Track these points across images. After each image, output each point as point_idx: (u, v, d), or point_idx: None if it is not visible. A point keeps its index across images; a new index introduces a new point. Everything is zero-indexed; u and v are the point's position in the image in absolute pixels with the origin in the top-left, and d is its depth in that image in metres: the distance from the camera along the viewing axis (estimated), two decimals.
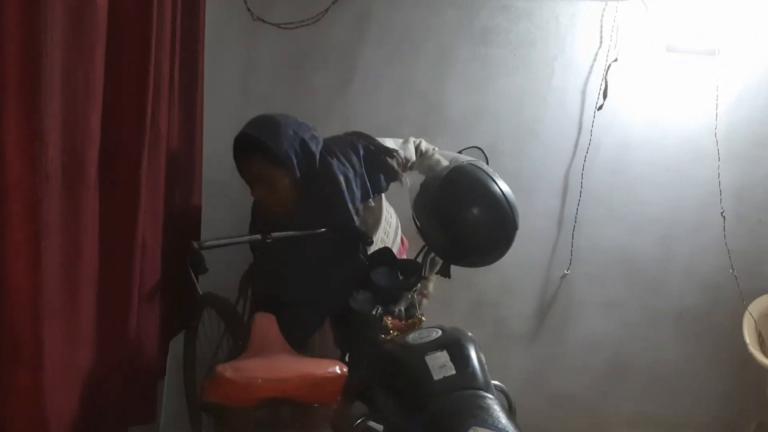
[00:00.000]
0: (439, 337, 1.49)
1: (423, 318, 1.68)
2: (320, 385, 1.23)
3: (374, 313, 1.52)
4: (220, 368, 1.17)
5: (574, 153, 2.53)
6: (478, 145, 1.95)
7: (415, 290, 1.73)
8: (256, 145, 1.63)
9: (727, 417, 2.68)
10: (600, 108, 2.43)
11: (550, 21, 2.42)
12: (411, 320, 1.65)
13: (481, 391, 1.36)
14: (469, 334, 1.55)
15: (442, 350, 1.43)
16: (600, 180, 2.56)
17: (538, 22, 2.42)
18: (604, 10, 2.42)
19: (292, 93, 2.35)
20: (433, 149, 1.98)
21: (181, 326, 1.99)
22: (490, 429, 1.23)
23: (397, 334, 1.60)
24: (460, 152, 1.95)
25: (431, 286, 1.89)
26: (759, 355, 2.37)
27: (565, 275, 2.61)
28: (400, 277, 1.68)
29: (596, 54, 2.44)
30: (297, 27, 2.32)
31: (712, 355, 2.66)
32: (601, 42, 2.44)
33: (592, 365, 2.70)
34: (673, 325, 2.67)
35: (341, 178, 1.67)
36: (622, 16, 2.42)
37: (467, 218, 1.63)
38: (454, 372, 1.39)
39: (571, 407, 2.71)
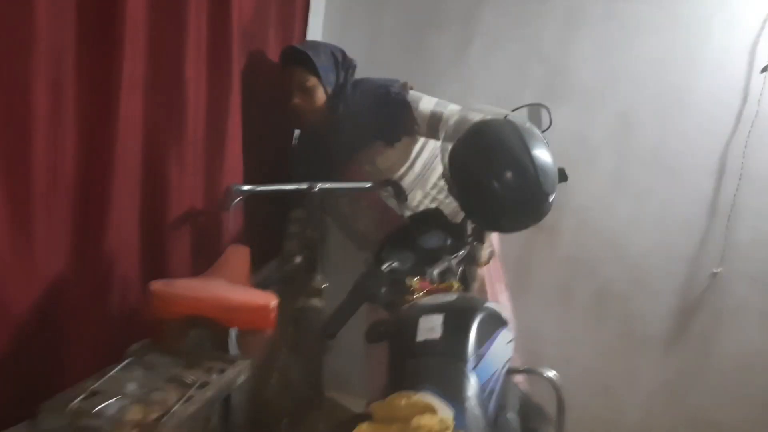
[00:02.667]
0: (447, 302, 1.40)
1: (456, 286, 1.57)
2: (235, 310, 1.23)
3: (384, 269, 1.46)
4: (152, 282, 1.22)
5: (736, 126, 2.10)
6: (545, 105, 1.71)
7: (457, 256, 1.62)
8: (299, 57, 1.82)
9: None
10: (765, 70, 1.97)
11: None
12: (443, 284, 1.56)
13: (461, 364, 1.24)
14: (490, 307, 1.40)
15: (439, 314, 1.34)
16: None
17: None
18: None
19: (413, 57, 2.36)
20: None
21: None
22: (439, 396, 1.13)
23: (421, 295, 1.53)
24: (514, 110, 1.74)
25: (486, 253, 1.74)
26: None
27: (715, 274, 2.17)
28: (448, 241, 1.61)
29: None
30: None
31: None
32: None
33: (753, 393, 2.20)
34: None
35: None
36: None
37: (481, 177, 1.46)
38: (437, 336, 1.29)
39: None
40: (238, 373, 1.20)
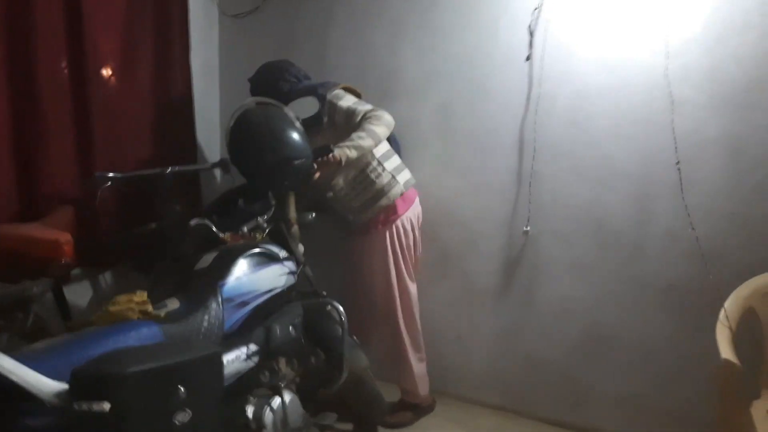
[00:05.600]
0: (230, 246, 1.92)
1: (260, 237, 2.07)
2: (33, 240, 1.79)
3: (192, 224, 1.97)
4: None
5: (527, 107, 2.52)
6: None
7: (267, 216, 2.12)
8: None
9: None
10: (528, 58, 2.41)
11: None
12: (247, 237, 2.06)
13: (213, 282, 1.74)
14: (264, 248, 1.93)
15: (216, 253, 1.86)
16: (558, 133, 2.48)
17: None
18: None
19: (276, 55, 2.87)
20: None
21: None
22: (183, 301, 1.65)
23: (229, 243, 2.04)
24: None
25: (291, 211, 2.24)
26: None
27: (526, 231, 2.58)
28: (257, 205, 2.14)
29: (537, 8, 2.41)
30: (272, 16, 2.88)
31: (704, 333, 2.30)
32: None
33: (567, 333, 2.58)
34: (660, 296, 2.39)
35: None
36: None
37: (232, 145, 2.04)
38: (205, 266, 1.81)
39: (548, 373, 2.64)
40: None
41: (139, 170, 2.23)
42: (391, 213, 2.50)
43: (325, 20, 2.80)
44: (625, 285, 2.45)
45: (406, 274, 2.56)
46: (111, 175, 2.17)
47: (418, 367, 2.62)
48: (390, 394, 2.66)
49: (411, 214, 2.56)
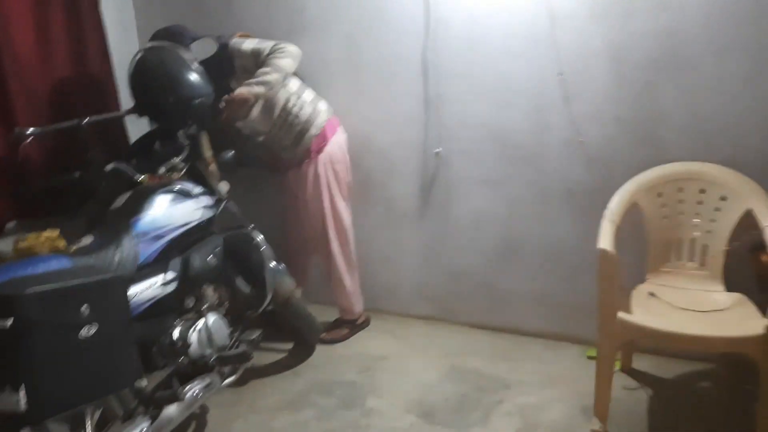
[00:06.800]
0: (144, 186, 2.05)
1: (176, 176, 2.20)
2: None
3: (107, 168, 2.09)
4: None
5: (426, 33, 2.63)
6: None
7: (182, 156, 2.24)
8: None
9: None
10: None
11: None
12: (163, 178, 2.19)
13: (125, 219, 1.88)
14: (177, 187, 2.07)
15: (131, 193, 2.00)
16: (456, 56, 2.60)
17: None
18: None
19: (192, 10, 2.98)
20: None
21: None
22: (97, 237, 1.79)
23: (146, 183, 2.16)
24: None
25: (206, 150, 2.36)
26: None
27: (437, 153, 2.74)
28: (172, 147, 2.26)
29: None
30: None
31: None
32: None
33: (483, 243, 2.79)
34: (562, 201, 2.60)
35: None
36: None
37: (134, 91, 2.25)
38: (119, 205, 1.95)
39: (469, 282, 2.86)
40: None
41: (57, 123, 2.31)
42: (321, 141, 2.63)
43: None
44: (530, 194, 2.65)
45: (339, 198, 2.71)
46: (30, 130, 2.24)
47: (352, 286, 2.82)
48: (329, 315, 2.88)
49: (338, 139, 2.69)
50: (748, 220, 2.10)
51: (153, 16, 3.00)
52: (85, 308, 1.38)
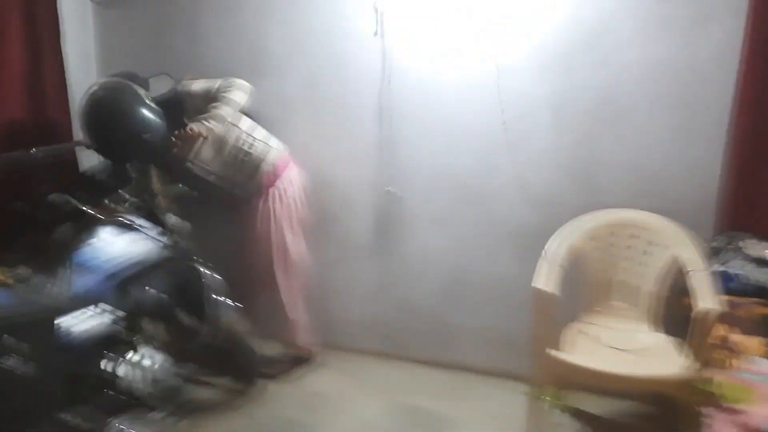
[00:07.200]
0: (91, 217, 2.09)
1: (119, 209, 2.24)
2: None
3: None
4: None
5: (382, 78, 2.73)
6: None
7: (128, 189, 2.30)
8: None
9: None
10: (376, 34, 2.64)
11: None
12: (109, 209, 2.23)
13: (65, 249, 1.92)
14: (119, 220, 2.11)
15: (72, 223, 2.03)
16: (411, 102, 2.71)
17: None
18: None
19: (154, 48, 3.05)
20: None
21: None
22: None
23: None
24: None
25: (154, 183, 2.41)
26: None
27: (388, 191, 2.82)
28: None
29: None
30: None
31: None
32: None
33: (433, 279, 2.87)
34: (508, 240, 2.69)
35: None
36: None
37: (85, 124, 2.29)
38: (61, 236, 1.98)
39: (419, 317, 2.92)
40: None
41: (7, 153, 2.35)
42: (272, 176, 2.68)
43: (195, 4, 2.93)
44: (478, 231, 2.74)
45: (288, 231, 2.74)
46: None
47: (299, 320, 2.82)
48: (276, 350, 2.89)
49: (291, 174, 2.74)
50: (679, 265, 2.19)
51: (115, 52, 3.08)
52: (6, 338, 1.41)
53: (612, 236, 2.38)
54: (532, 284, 2.12)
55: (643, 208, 2.37)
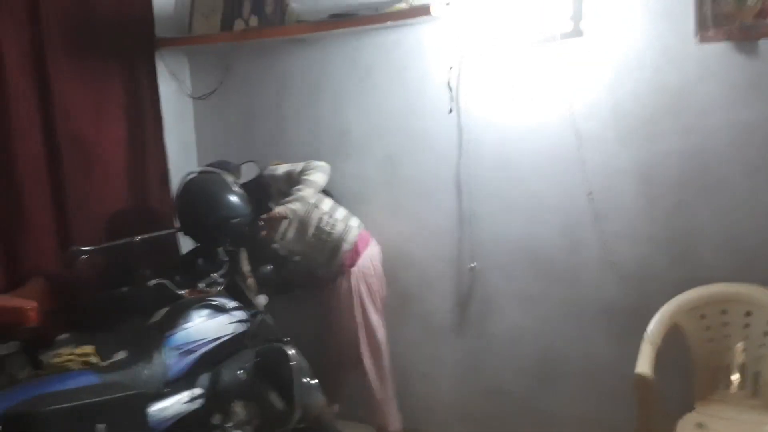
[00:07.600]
0: (185, 300, 2.19)
1: (214, 290, 2.34)
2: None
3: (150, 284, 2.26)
4: None
5: (459, 154, 2.74)
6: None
7: (222, 272, 2.40)
8: None
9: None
10: (450, 111, 2.66)
11: (414, 47, 2.77)
12: (205, 291, 2.33)
13: (160, 334, 2.01)
14: (210, 303, 2.20)
15: (168, 308, 2.14)
16: (488, 175, 2.69)
17: (406, 50, 2.79)
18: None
19: (244, 136, 3.23)
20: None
21: None
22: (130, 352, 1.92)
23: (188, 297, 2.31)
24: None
25: (244, 266, 2.49)
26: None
27: (472, 268, 2.77)
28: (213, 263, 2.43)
29: (451, 67, 2.66)
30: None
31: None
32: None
33: (521, 360, 2.73)
34: (598, 320, 2.54)
35: None
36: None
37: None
38: (157, 320, 2.09)
39: (508, 402, 2.77)
40: None
41: (110, 241, 2.51)
42: (353, 255, 2.72)
43: (279, 94, 3.12)
44: (566, 310, 2.61)
45: (372, 311, 2.75)
46: (85, 248, 2.42)
47: (387, 402, 2.78)
48: None
49: (371, 253, 2.78)
50: None
51: (211, 142, 3.30)
52: (101, 426, 1.46)
53: (723, 314, 2.19)
54: (636, 370, 1.97)
55: (754, 283, 2.17)
